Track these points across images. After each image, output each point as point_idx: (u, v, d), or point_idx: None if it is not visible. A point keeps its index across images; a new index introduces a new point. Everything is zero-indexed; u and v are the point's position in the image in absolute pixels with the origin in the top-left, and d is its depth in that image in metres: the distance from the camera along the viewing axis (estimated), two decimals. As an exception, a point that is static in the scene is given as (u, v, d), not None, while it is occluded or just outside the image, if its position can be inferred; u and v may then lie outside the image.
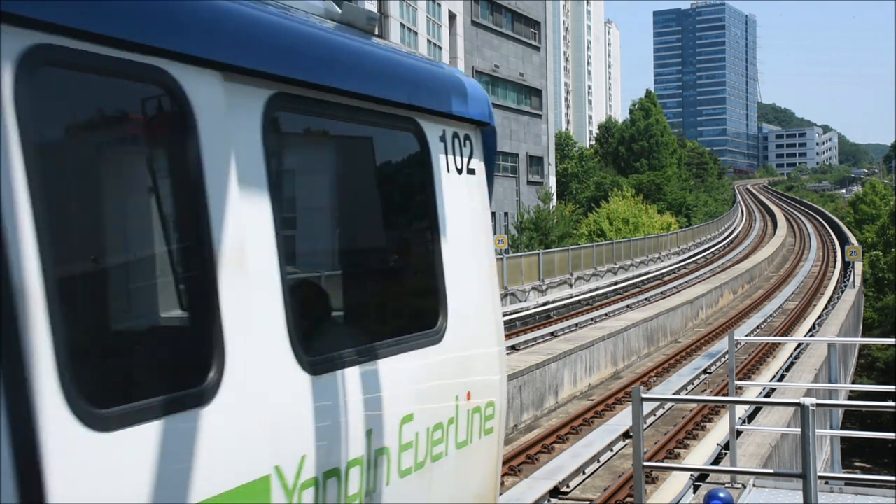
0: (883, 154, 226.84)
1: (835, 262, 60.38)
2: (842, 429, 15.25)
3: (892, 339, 19.46)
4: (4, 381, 2.52)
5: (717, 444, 13.50)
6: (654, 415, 18.26)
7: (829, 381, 11.41)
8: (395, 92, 4.52)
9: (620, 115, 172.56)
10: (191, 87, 3.24)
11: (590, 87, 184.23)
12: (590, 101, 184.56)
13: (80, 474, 2.68)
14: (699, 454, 14.51)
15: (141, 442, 2.90)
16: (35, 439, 2.55)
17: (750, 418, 14.36)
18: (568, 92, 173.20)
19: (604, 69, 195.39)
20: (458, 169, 5.21)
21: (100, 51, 2.87)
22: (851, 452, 27.79)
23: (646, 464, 6.91)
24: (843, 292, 41.01)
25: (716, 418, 17.90)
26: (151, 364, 3.45)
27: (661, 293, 38.10)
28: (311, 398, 3.69)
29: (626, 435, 15.92)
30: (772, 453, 11.95)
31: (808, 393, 13.04)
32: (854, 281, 43.83)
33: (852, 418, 31.36)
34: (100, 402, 2.73)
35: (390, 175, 5.07)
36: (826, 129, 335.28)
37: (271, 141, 3.69)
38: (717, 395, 19.62)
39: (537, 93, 62.70)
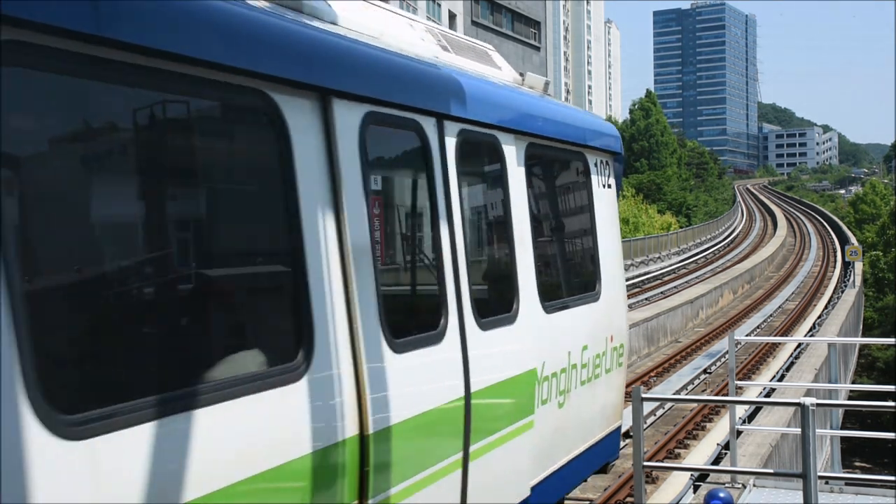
0: (883, 154, 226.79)
1: (835, 261, 60.38)
2: (842, 429, 15.25)
3: (892, 339, 19.45)
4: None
5: (718, 444, 13.52)
6: (655, 415, 18.25)
7: (830, 381, 11.41)
8: (572, 134, 7.53)
9: (620, 114, 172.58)
10: (505, 142, 6.32)
11: (590, 87, 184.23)
12: (590, 101, 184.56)
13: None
14: (699, 454, 14.52)
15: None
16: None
17: (750, 418, 14.37)
18: (568, 92, 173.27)
19: (604, 69, 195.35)
20: (602, 185, 8.14)
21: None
22: (851, 452, 27.78)
23: (646, 464, 6.91)
24: (843, 292, 41.01)
25: (716, 418, 17.90)
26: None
27: (662, 293, 38.09)
28: (548, 327, 6.60)
29: (626, 435, 15.93)
30: (772, 453, 11.96)
31: (809, 393, 13.04)
32: (854, 281, 43.83)
33: (852, 418, 31.35)
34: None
35: (569, 188, 8.07)
36: (826, 128, 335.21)
37: (530, 172, 6.73)
38: (717, 395, 19.61)
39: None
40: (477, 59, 7.07)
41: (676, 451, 15.83)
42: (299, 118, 4.17)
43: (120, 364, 3.35)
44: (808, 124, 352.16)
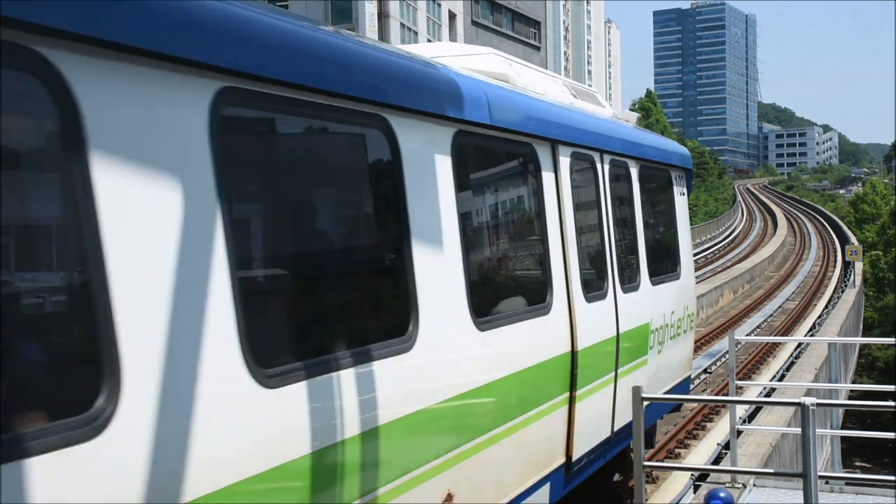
0: (883, 154, 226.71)
1: (835, 261, 60.37)
2: (842, 428, 15.25)
3: (893, 339, 19.44)
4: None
5: (718, 444, 13.52)
6: (655, 414, 18.25)
7: (830, 381, 11.42)
8: (663, 157, 10.25)
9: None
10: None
11: (590, 87, 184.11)
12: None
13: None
14: (699, 454, 14.52)
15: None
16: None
17: (750, 418, 14.37)
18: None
19: (604, 69, 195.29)
20: (680, 193, 10.99)
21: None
22: (852, 452, 27.78)
23: (646, 463, 6.91)
24: (843, 292, 40.99)
25: (716, 418, 17.90)
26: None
27: (662, 293, 38.01)
28: (653, 295, 9.35)
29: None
30: (772, 453, 11.96)
31: (809, 392, 13.04)
32: (854, 280, 43.82)
33: (852, 418, 31.35)
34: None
35: (661, 194, 10.60)
36: (826, 128, 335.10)
37: (644, 186, 9.63)
38: (717, 394, 19.61)
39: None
40: (591, 101, 9.66)
41: (677, 450, 15.82)
42: (545, 159, 7.21)
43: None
44: (808, 124, 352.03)
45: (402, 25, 41.25)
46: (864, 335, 42.91)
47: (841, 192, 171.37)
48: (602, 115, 9.36)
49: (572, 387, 7.25)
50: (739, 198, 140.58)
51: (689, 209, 11.04)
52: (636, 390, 6.73)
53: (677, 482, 12.49)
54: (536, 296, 6.96)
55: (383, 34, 39.63)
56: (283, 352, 4.19)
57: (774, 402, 14.26)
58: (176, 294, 3.44)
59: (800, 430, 6.42)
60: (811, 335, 28.32)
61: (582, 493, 8.12)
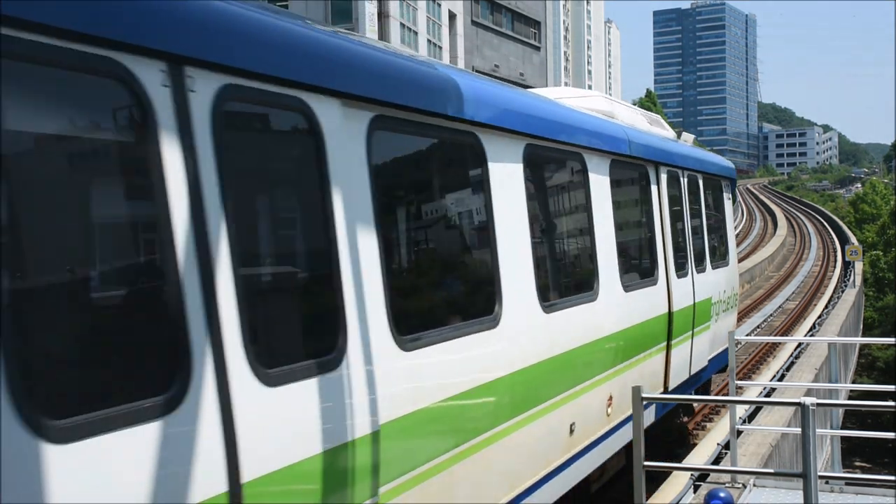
0: (883, 153, 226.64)
1: (835, 261, 60.34)
2: (842, 428, 15.24)
3: (893, 339, 19.38)
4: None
5: (718, 444, 13.48)
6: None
7: (830, 381, 11.41)
8: (714, 169, 13.42)
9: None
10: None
11: (590, 87, 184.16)
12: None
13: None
14: (699, 454, 14.49)
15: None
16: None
17: (750, 418, 14.35)
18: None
19: (604, 69, 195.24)
20: (727, 197, 14.38)
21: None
22: (852, 452, 27.77)
23: (646, 463, 6.90)
24: (843, 292, 40.96)
25: (716, 418, 17.89)
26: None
27: (662, 293, 38.00)
28: (713, 275, 12.79)
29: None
30: (772, 453, 11.94)
31: (809, 392, 13.03)
32: (854, 280, 43.78)
33: (853, 418, 31.34)
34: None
35: (716, 198, 13.59)
36: (826, 128, 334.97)
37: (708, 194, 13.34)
38: (717, 394, 19.59)
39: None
40: (660, 127, 12.51)
41: (677, 450, 15.81)
42: (652, 177, 10.39)
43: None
44: (808, 124, 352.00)
45: (402, 25, 41.22)
46: (864, 335, 42.88)
47: (841, 192, 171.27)
48: (669, 136, 12.51)
49: (669, 337, 10.50)
50: (739, 198, 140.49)
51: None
52: (636, 390, 6.72)
53: (677, 482, 12.47)
54: (651, 272, 10.23)
55: (383, 34, 39.60)
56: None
57: (774, 402, 14.24)
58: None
59: (800, 430, 6.42)
60: (811, 335, 28.30)
61: (665, 421, 11.64)
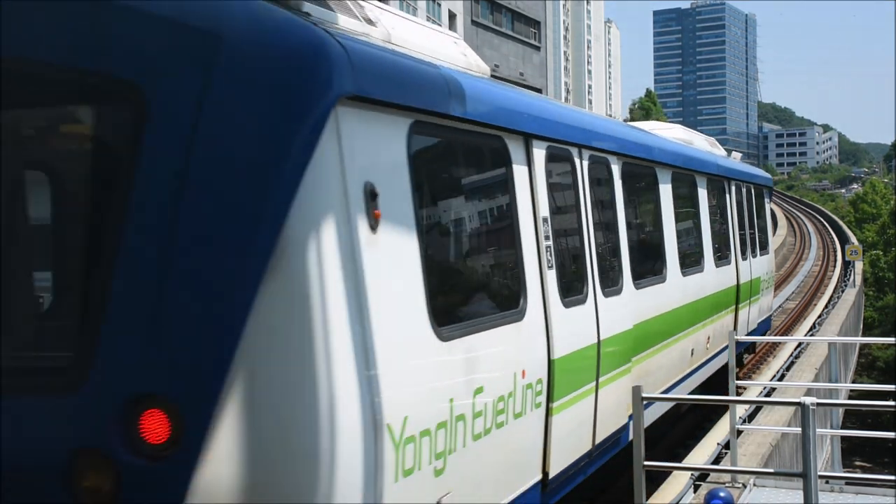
0: (883, 153, 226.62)
1: (835, 261, 60.31)
2: (842, 428, 15.25)
3: (893, 339, 19.46)
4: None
5: (718, 444, 13.47)
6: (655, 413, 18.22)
7: (830, 381, 11.42)
8: (759, 180, 18.75)
9: (621, 114, 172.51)
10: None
11: (590, 87, 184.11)
12: (590, 101, 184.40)
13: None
14: (700, 454, 14.47)
15: None
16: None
17: (750, 418, 14.34)
18: (568, 91, 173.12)
19: (604, 69, 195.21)
20: (767, 202, 19.59)
21: None
22: (852, 452, 27.78)
23: (646, 463, 6.90)
24: (843, 291, 40.95)
25: (716, 418, 17.87)
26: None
27: (662, 293, 37.97)
28: (757, 263, 17.06)
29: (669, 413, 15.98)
30: (772, 453, 11.94)
31: (809, 392, 13.02)
32: (854, 280, 43.77)
33: (853, 417, 31.35)
34: None
35: (759, 203, 18.32)
36: (826, 128, 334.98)
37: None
38: (717, 394, 19.53)
39: (537, 92, 62.59)
40: (714, 147, 16.59)
41: (677, 450, 15.79)
42: (728, 189, 14.90)
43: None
44: (808, 124, 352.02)
45: (402, 25, 41.28)
46: (864, 335, 42.89)
47: (841, 191, 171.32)
48: (722, 154, 16.80)
49: (737, 301, 14.81)
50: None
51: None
52: (636, 390, 6.73)
53: (677, 482, 12.46)
54: (725, 254, 14.23)
55: (383, 34, 39.67)
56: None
57: (774, 402, 14.23)
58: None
59: (800, 429, 6.42)
60: (811, 335, 28.28)
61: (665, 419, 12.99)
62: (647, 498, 7.74)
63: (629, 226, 9.37)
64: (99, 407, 4.12)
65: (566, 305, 7.11)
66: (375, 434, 4.34)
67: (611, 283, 8.46)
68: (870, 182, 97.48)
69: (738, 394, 16.89)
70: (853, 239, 67.81)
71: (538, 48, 62.99)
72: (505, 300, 6.41)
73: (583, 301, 7.57)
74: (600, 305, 7.89)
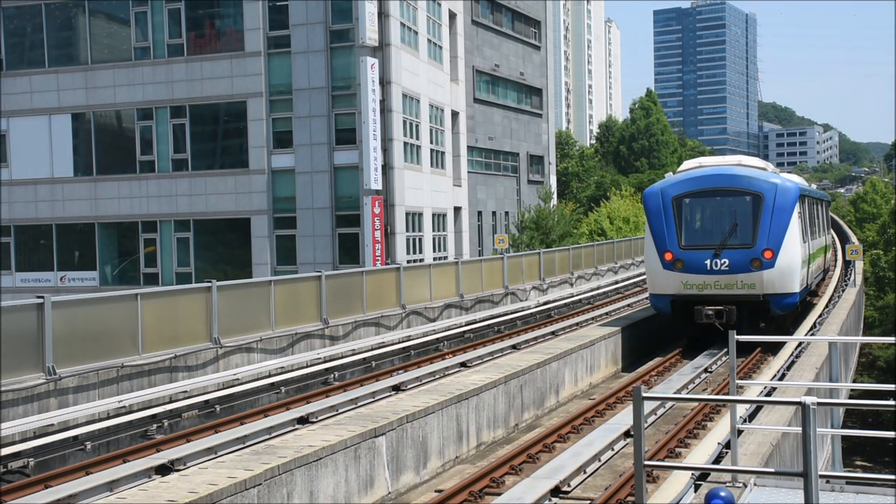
0: (883, 153, 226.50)
1: (835, 260, 60.37)
2: (843, 427, 15.25)
3: (893, 338, 19.50)
4: None
5: (718, 443, 13.46)
6: (655, 414, 18.25)
7: (830, 380, 11.42)
8: (821, 196, 34.81)
9: (621, 114, 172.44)
10: None
11: (590, 87, 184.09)
12: (590, 101, 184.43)
13: None
14: (700, 453, 14.47)
15: None
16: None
17: (751, 417, 14.34)
18: (568, 91, 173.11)
19: (604, 68, 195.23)
20: (827, 208, 38.75)
21: None
22: (852, 451, 27.81)
23: (647, 463, 6.91)
24: (843, 291, 40.98)
25: (717, 417, 17.89)
26: None
27: (662, 292, 38.03)
28: (822, 240, 33.32)
29: (626, 434, 15.93)
30: (773, 452, 11.94)
31: (810, 392, 13.03)
32: (855, 280, 43.79)
33: (853, 417, 31.38)
34: None
35: (824, 210, 35.69)
36: (827, 127, 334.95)
37: None
38: (717, 394, 19.60)
39: (538, 92, 62.64)
40: (784, 171, 41.49)
41: (677, 450, 15.82)
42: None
43: None
44: (809, 123, 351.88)
45: (402, 25, 41.18)
46: (864, 334, 42.93)
47: (841, 191, 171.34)
48: (789, 175, 27.11)
49: (824, 252, 32.57)
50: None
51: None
52: (637, 390, 6.73)
53: (678, 481, 12.46)
54: (821, 234, 31.05)
55: (383, 33, 39.60)
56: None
57: (775, 402, 14.24)
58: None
59: (800, 429, 6.42)
60: (812, 334, 28.31)
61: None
62: (648, 497, 7.74)
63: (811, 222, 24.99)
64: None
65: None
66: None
67: (810, 238, 22.62)
68: (870, 181, 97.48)
69: (739, 393, 16.88)
70: (853, 238, 67.82)
71: (538, 48, 62.99)
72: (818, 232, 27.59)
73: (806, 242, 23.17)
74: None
